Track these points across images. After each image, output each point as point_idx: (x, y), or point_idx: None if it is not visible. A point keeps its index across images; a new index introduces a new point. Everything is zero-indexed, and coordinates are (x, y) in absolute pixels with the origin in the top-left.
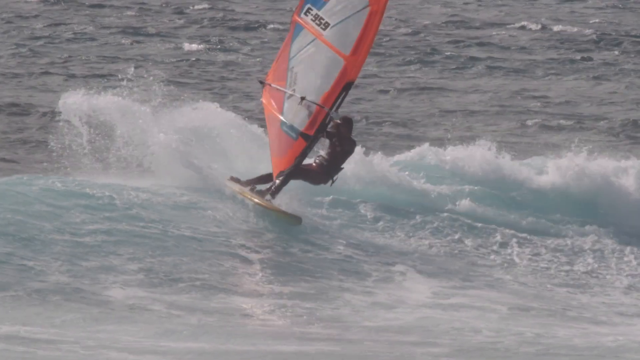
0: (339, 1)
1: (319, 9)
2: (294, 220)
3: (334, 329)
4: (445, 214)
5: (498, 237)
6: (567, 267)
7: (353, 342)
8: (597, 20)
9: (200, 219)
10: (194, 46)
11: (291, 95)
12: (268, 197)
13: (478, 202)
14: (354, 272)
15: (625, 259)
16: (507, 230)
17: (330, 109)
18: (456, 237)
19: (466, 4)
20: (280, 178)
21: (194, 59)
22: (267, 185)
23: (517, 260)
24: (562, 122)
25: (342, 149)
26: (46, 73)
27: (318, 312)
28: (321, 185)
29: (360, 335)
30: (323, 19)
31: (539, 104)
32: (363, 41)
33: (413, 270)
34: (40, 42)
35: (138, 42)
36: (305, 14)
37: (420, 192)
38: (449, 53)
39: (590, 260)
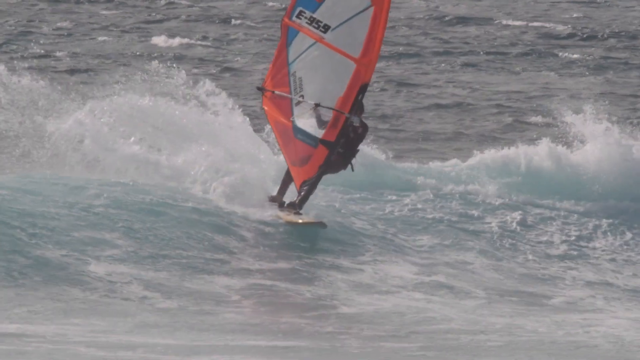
0: (336, 2)
1: (312, 12)
2: (319, 225)
3: (308, 318)
4: (457, 192)
5: (504, 215)
6: (566, 249)
7: (324, 335)
8: (574, 16)
9: (204, 197)
10: (171, 41)
11: (300, 102)
12: (297, 209)
13: (493, 182)
14: (350, 245)
15: (633, 244)
16: (516, 209)
17: (349, 113)
18: (462, 212)
19: None
20: (305, 188)
21: (171, 54)
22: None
23: (518, 238)
24: (539, 118)
25: (355, 134)
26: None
27: (294, 297)
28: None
29: (333, 327)
30: (321, 22)
31: (515, 99)
32: (372, 42)
33: (407, 245)
34: (16, 38)
35: (115, 37)
36: (297, 17)
37: (431, 171)
38: (426, 48)
39: (595, 244)
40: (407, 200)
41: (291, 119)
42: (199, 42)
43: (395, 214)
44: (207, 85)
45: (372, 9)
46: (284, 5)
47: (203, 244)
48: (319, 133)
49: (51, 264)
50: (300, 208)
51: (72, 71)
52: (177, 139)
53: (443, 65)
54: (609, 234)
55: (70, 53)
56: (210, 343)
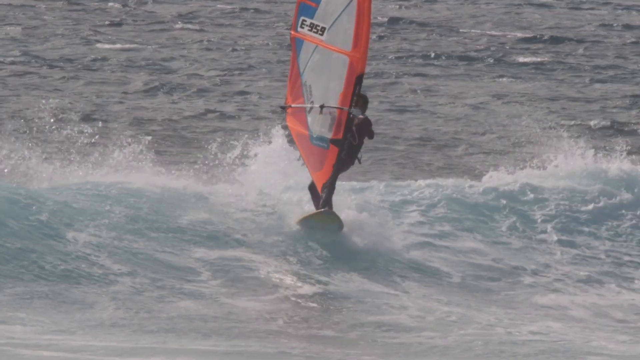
0: (328, 2)
1: (312, 18)
2: (330, 216)
3: (262, 302)
4: (460, 184)
5: (510, 207)
6: (562, 240)
7: (270, 334)
8: (532, 21)
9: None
10: (118, 45)
11: (311, 108)
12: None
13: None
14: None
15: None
16: (526, 202)
17: (349, 107)
18: (463, 202)
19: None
20: (326, 190)
21: (120, 58)
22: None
23: (522, 226)
24: (500, 123)
25: (357, 128)
26: None
27: (258, 274)
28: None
29: (282, 321)
30: (318, 26)
31: (473, 104)
32: (360, 32)
33: (401, 225)
34: None
35: (65, 41)
36: (301, 27)
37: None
38: (386, 53)
39: (593, 240)
40: (405, 191)
41: (307, 128)
42: (144, 46)
43: (391, 201)
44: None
45: (356, 0)
46: (234, 7)
47: (192, 219)
48: (329, 134)
49: (34, 233)
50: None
51: (16, 76)
52: None
53: (400, 70)
54: (607, 231)
55: (18, 57)
56: (152, 345)
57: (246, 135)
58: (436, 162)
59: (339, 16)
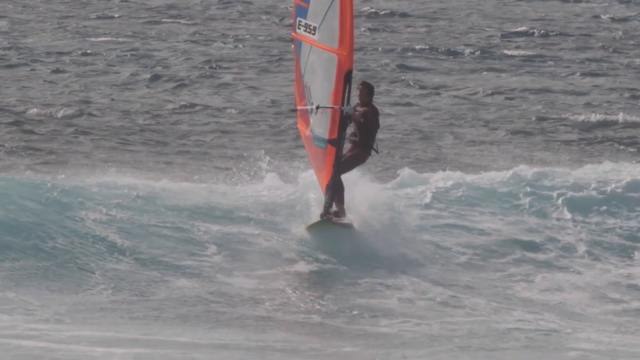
0: (316, 1)
1: (305, 18)
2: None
3: (255, 278)
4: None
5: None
6: (559, 230)
7: (255, 322)
8: (522, 14)
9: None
10: (105, 38)
11: (311, 110)
12: (332, 210)
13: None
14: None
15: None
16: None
17: (342, 105)
18: (480, 187)
19: None
20: (329, 192)
21: (102, 51)
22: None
23: (539, 209)
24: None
25: (365, 118)
26: None
27: (255, 247)
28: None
29: (268, 304)
30: (311, 25)
31: (463, 96)
32: (343, 27)
33: (423, 209)
34: None
35: (52, 34)
36: (298, 28)
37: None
38: (376, 46)
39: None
40: (418, 180)
41: (310, 130)
42: (133, 38)
43: (404, 189)
44: None
45: None
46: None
47: (203, 201)
48: (326, 134)
49: (45, 210)
50: (330, 210)
51: (4, 68)
52: None
53: (389, 62)
54: (617, 211)
55: (6, 49)
56: (136, 336)
57: (233, 169)
58: (426, 154)
59: (325, 14)
